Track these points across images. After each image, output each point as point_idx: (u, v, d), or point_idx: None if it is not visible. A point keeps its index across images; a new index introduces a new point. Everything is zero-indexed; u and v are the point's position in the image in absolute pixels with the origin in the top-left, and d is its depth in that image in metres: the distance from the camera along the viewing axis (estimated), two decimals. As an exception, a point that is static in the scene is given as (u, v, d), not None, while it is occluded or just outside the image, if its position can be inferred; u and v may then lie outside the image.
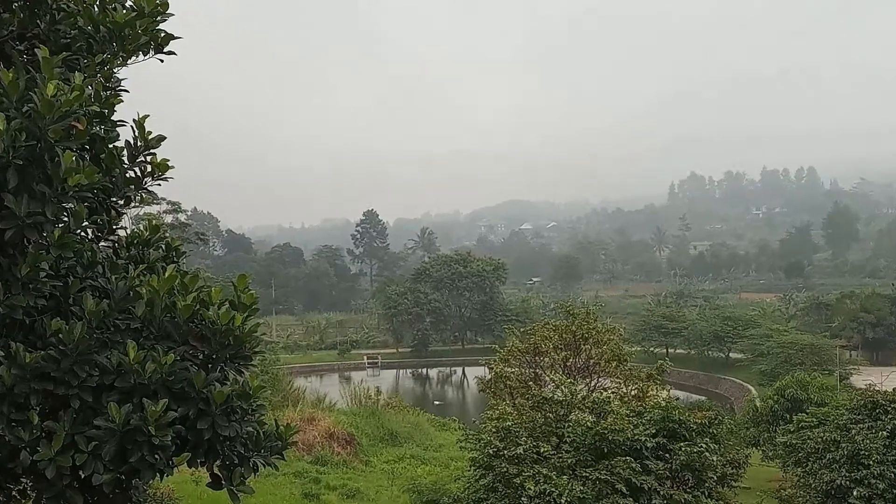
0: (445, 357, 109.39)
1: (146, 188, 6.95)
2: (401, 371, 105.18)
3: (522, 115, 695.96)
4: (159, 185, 6.98)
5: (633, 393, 22.90)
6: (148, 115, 6.72)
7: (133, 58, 6.78)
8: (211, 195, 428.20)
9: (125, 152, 6.73)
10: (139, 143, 6.73)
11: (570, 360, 24.98)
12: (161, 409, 5.67)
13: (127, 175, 6.78)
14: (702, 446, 15.98)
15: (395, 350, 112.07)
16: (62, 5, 6.58)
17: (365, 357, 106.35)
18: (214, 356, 6.31)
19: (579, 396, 18.11)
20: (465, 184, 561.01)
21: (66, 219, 6.01)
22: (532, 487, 14.75)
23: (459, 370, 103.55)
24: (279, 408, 33.55)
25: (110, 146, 6.64)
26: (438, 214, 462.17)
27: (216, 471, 6.45)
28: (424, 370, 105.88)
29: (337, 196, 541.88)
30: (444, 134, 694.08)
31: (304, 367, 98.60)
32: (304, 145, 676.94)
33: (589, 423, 16.76)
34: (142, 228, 7.29)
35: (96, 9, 6.59)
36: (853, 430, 18.38)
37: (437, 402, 75.52)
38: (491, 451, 16.30)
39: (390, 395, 47.03)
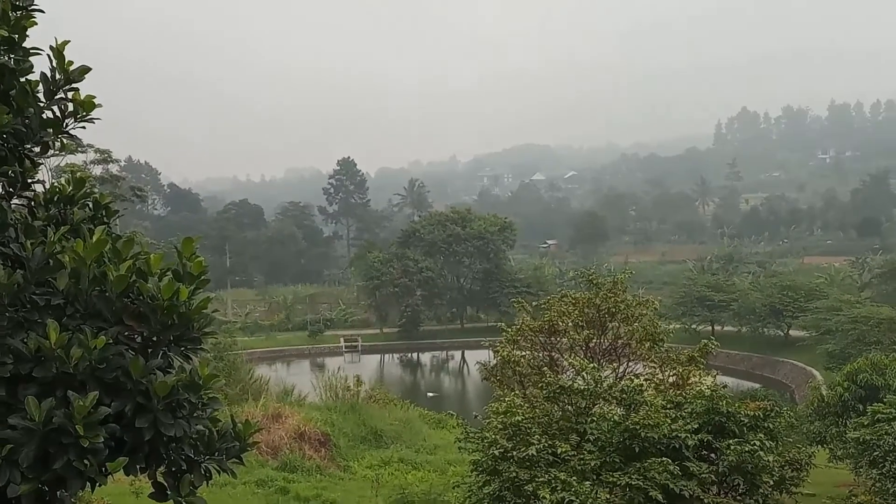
0: (440, 338, 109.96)
1: (68, 132, 6.89)
2: (386, 356, 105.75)
3: (535, 41, 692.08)
4: (84, 128, 6.92)
5: (670, 380, 23.00)
6: (68, 41, 6.65)
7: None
8: (150, 142, 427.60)
9: (41, 87, 6.67)
10: (58, 77, 6.66)
11: (594, 340, 25.08)
12: (91, 403, 5.65)
13: (44, 116, 6.72)
14: (755, 444, 16.09)
15: (378, 331, 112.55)
16: None
17: (342, 339, 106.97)
18: (155, 338, 6.31)
19: (605, 384, 18.20)
20: (463, 124, 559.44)
21: (-32, 170, 5.97)
22: (547, 496, 14.86)
23: (458, 354, 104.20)
24: (237, 402, 33.76)
25: (22, 80, 6.57)
26: (431, 163, 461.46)
27: (160, 478, 6.45)
28: (415, 355, 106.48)
29: (305, 141, 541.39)
30: (438, 61, 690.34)
31: (266, 352, 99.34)
32: (265, 78, 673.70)
33: (617, 417, 16.86)
34: (64, 182, 7.24)
35: None
36: (940, 423, 18.51)
37: (430, 394, 76.02)
38: (497, 453, 16.41)
39: (373, 385, 47.27)
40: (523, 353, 25.39)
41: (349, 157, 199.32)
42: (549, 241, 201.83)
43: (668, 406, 17.46)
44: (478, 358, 44.90)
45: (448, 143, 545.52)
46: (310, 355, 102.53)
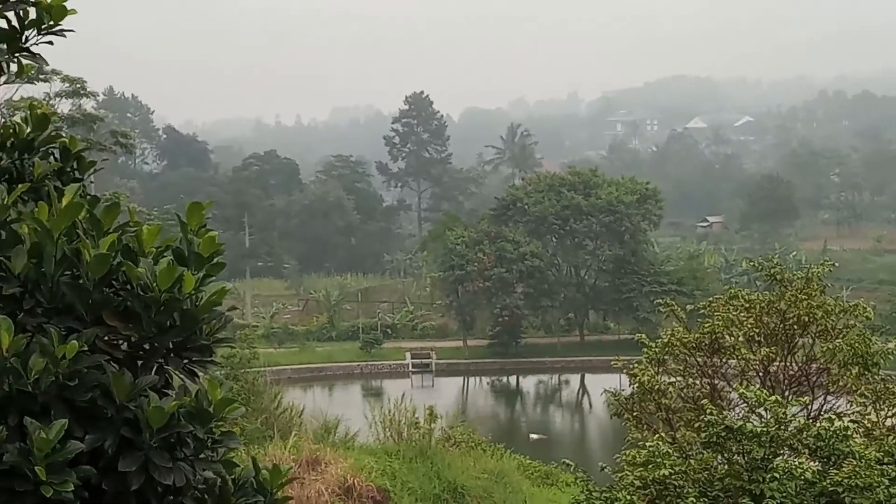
0: (549, 356, 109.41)
1: (27, 49, 6.95)
2: (471, 380, 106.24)
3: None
4: (51, 43, 6.99)
5: (889, 422, 22.72)
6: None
7: None
8: (140, 68, 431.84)
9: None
10: (14, -30, 6.72)
11: (777, 362, 24.83)
12: (57, 436, 5.58)
13: (-7, 25, 6.78)
14: None
15: (461, 343, 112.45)
16: None
17: (408, 355, 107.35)
18: (148, 346, 6.24)
19: (792, 427, 18.01)
20: (586, 47, 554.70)
21: None
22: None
23: (575, 379, 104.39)
24: (258, 440, 34.07)
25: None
26: (540, 102, 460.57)
27: (151, 546, 6.44)
28: (513, 379, 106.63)
29: (360, 68, 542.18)
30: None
31: (300, 370, 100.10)
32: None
33: (809, 475, 16.69)
34: (19, 121, 7.30)
35: None
36: None
37: (534, 436, 75.80)
38: (633, 523, 16.38)
39: (453, 422, 47.36)
40: (672, 380, 25.25)
41: (423, 93, 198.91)
42: (711, 218, 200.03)
43: (886, 460, 17.23)
44: (604, 384, 44.41)
45: (565, 73, 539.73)
46: (362, 376, 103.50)
